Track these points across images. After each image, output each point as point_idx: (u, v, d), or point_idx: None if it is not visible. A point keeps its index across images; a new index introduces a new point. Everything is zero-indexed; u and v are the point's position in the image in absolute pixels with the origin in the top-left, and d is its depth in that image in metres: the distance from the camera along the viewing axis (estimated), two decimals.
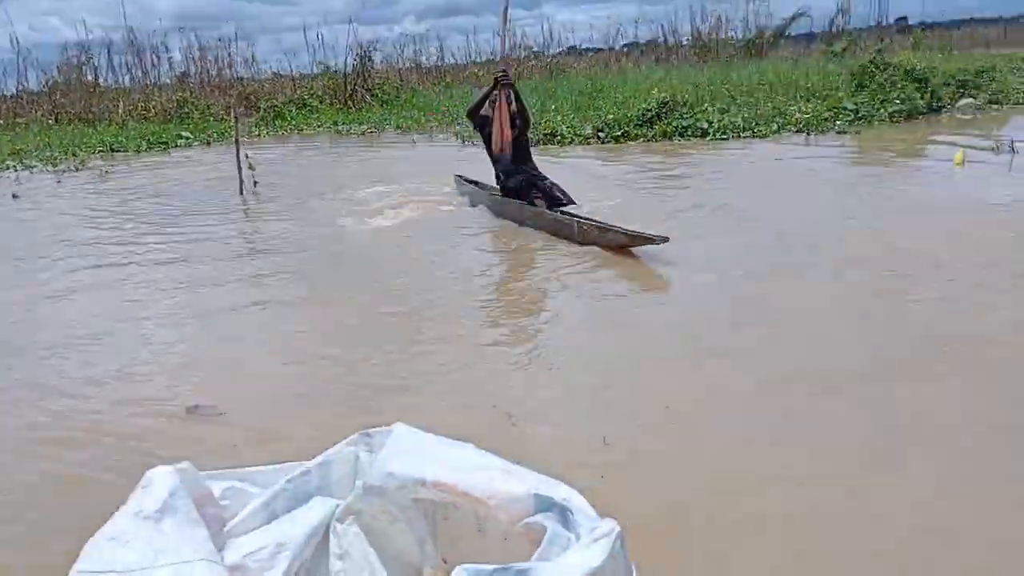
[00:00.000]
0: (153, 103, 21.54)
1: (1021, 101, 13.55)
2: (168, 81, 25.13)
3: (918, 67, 13.26)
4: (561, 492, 1.38)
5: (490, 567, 1.18)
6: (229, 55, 25.21)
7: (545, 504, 1.36)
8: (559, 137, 12.49)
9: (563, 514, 1.35)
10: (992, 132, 10.11)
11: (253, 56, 26.10)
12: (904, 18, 31.67)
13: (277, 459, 1.88)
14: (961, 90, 13.91)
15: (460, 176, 8.70)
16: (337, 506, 1.88)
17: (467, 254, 6.04)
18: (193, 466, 1.68)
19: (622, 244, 5.38)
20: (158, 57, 24.89)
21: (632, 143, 11.86)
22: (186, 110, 20.72)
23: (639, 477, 2.67)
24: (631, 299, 4.72)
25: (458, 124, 16.05)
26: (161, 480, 1.47)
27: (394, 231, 6.89)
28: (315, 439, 2.06)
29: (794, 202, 7.09)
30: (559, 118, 13.70)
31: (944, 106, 13.20)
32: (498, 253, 6.24)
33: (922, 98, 12.66)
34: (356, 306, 4.87)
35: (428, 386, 3.52)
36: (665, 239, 5.04)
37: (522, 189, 6.87)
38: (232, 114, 10.00)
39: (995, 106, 13.42)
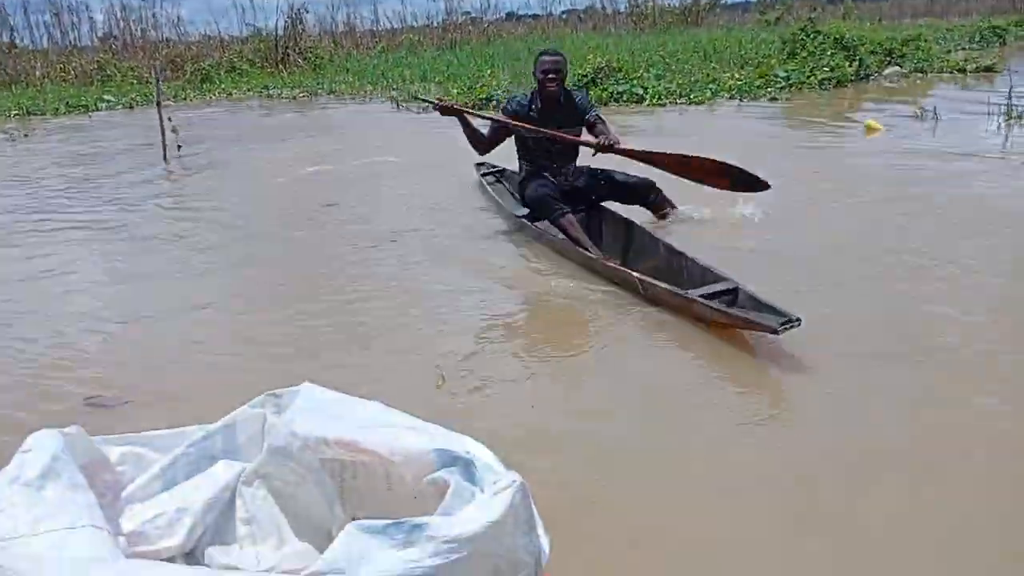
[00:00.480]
0: (73, 65, 20.65)
1: (945, 69, 13.89)
2: (90, 43, 24.12)
3: (847, 36, 13.49)
4: (464, 446, 1.35)
5: (383, 522, 1.14)
6: (154, 16, 24.30)
7: (448, 459, 1.33)
8: (494, 101, 12.38)
9: (467, 468, 1.32)
10: (916, 99, 10.35)
11: (179, 17, 25.28)
12: None
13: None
14: (888, 58, 14.21)
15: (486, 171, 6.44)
16: (243, 469, 1.82)
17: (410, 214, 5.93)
18: (83, 430, 1.59)
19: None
20: (78, 17, 23.85)
21: None
22: (108, 73, 19.93)
23: None
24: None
25: (393, 89, 15.79)
26: (43, 444, 1.39)
27: (326, 186, 6.76)
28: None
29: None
30: (495, 83, 13.57)
31: (872, 74, 13.47)
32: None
33: (850, 66, 12.90)
34: (282, 267, 4.75)
35: (360, 346, 3.47)
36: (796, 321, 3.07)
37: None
38: (153, 75, 9.61)
39: (920, 74, 13.75)
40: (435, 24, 27.57)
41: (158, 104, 9.06)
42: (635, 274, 3.82)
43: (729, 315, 3.27)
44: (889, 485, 2.28)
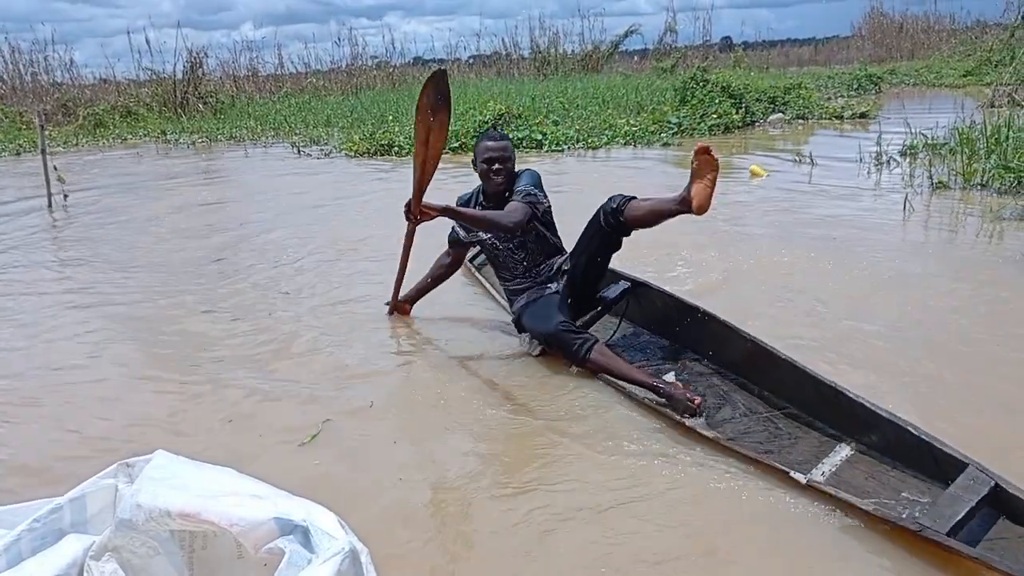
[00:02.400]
0: None
1: (824, 116, 14.74)
2: None
3: (733, 84, 14.20)
4: (305, 512, 1.38)
5: None
6: (45, 59, 23.50)
7: (287, 527, 1.36)
8: (396, 148, 12.46)
9: (305, 535, 1.35)
10: (796, 146, 10.95)
11: (72, 60, 24.45)
12: (728, 37, 33.88)
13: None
14: (772, 106, 15.00)
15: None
16: (92, 543, 1.79)
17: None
18: None
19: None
20: None
21: (470, 153, 11.98)
22: None
23: None
24: None
25: (296, 134, 15.68)
26: None
27: (217, 238, 6.63)
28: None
29: None
30: (396, 128, 13.66)
31: (757, 120, 14.18)
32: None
33: (737, 113, 13.56)
34: (157, 327, 4.60)
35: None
36: None
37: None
38: (37, 120, 9.30)
39: (801, 121, 14.55)
40: (340, 68, 27.59)
41: (43, 151, 8.78)
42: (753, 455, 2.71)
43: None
44: None
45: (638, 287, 4.01)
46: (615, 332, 3.92)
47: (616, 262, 3.91)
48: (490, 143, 3.80)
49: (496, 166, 3.77)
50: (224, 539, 1.65)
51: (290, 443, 3.01)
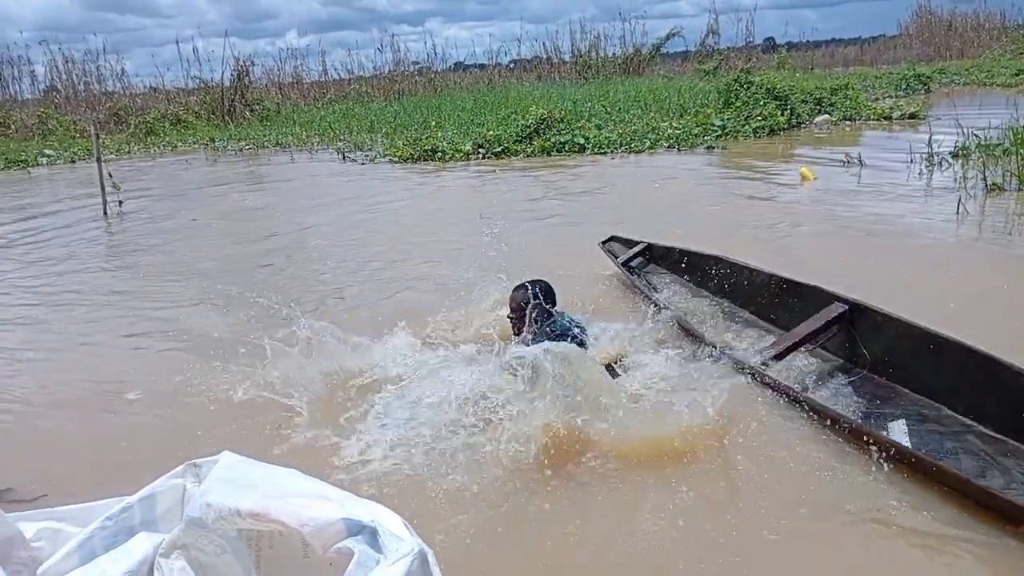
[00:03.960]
0: (13, 119, 20.37)
1: (872, 117, 14.49)
2: (31, 96, 23.89)
3: (778, 85, 14.03)
4: (372, 513, 1.40)
5: None
6: (97, 68, 24.19)
7: (355, 527, 1.38)
8: (440, 153, 12.54)
9: (373, 536, 1.37)
10: (844, 147, 10.77)
11: (123, 70, 25.13)
12: (772, 38, 33.52)
13: None
14: (818, 107, 14.78)
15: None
16: (162, 541, 1.83)
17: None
18: None
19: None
20: (19, 70, 23.64)
21: (513, 158, 12.05)
22: (50, 126, 19.71)
23: None
24: None
25: (340, 140, 15.89)
26: None
27: (268, 243, 6.75)
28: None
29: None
30: (439, 134, 13.76)
31: (803, 122, 13.99)
32: None
33: (782, 115, 13.39)
34: (215, 332, 4.67)
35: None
36: None
37: None
38: (93, 129, 9.55)
39: (848, 122, 14.32)
40: (383, 74, 27.89)
41: (98, 159, 9.01)
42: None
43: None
44: None
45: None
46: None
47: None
48: (512, 292, 3.90)
49: (511, 315, 3.89)
50: (291, 539, 1.68)
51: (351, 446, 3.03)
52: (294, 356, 4.07)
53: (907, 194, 7.53)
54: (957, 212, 6.45)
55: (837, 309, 3.40)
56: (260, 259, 6.42)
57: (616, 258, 5.17)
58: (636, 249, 5.20)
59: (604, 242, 5.45)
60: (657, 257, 5.19)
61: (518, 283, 3.89)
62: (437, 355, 4.02)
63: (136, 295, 5.57)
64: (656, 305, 4.20)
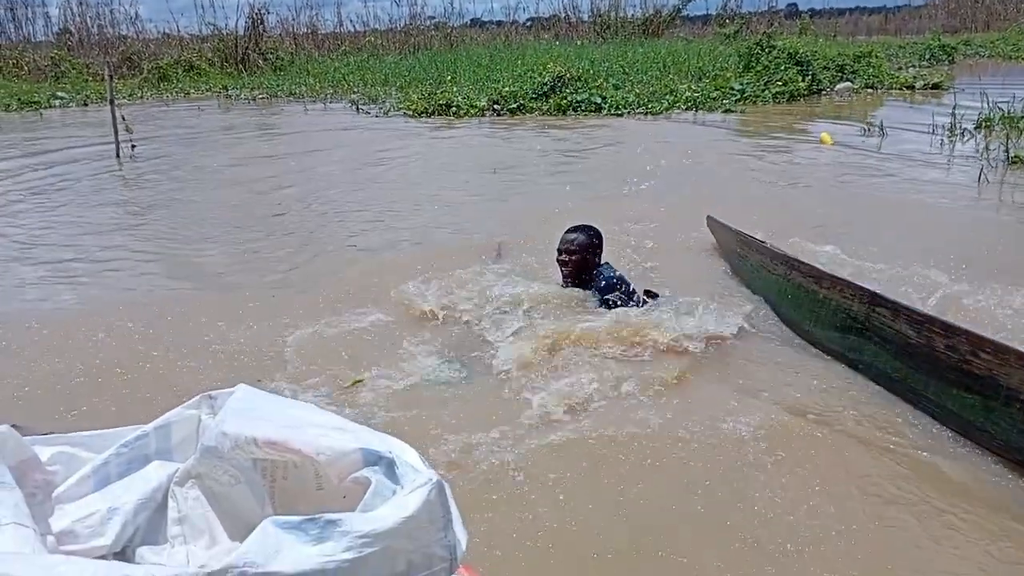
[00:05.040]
0: (26, 60, 20.26)
1: (895, 86, 14.27)
2: (44, 38, 23.74)
3: (801, 51, 13.80)
4: (388, 445, 1.39)
5: (298, 518, 1.18)
6: (111, 12, 23.99)
7: (373, 458, 1.37)
8: (454, 108, 12.43)
9: (390, 467, 1.36)
10: (866, 115, 10.63)
11: (137, 14, 24.93)
12: (794, 4, 32.93)
13: None
14: (840, 74, 14.55)
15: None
16: (176, 470, 1.84)
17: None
18: (13, 430, 1.61)
19: None
20: (33, 12, 23.48)
21: (528, 115, 11.95)
22: (63, 69, 19.59)
23: None
24: None
25: (354, 92, 15.75)
26: None
27: (279, 192, 6.72)
28: None
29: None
30: (455, 89, 13.62)
31: (824, 89, 13.79)
32: None
33: (803, 81, 13.19)
34: (225, 276, 4.69)
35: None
36: None
37: None
38: (107, 72, 9.48)
39: (870, 90, 14.10)
40: (399, 28, 27.58)
41: (111, 102, 8.95)
42: None
43: None
44: None
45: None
46: None
47: None
48: (564, 234, 3.82)
49: (562, 257, 3.81)
50: (304, 471, 1.68)
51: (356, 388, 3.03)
52: (303, 298, 4.07)
53: (927, 163, 7.43)
54: (978, 182, 6.37)
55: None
56: (271, 207, 6.40)
57: (720, 238, 4.65)
58: (737, 234, 4.50)
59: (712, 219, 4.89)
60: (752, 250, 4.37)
61: (571, 226, 3.84)
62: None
63: (147, 235, 5.57)
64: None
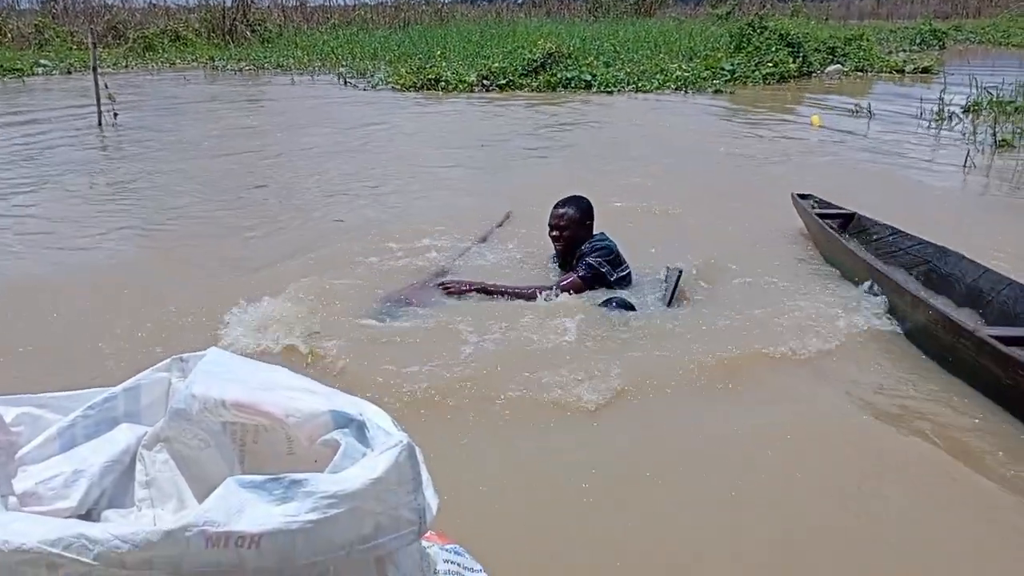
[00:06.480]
0: (10, 27, 19.90)
1: (884, 69, 14.25)
2: (28, 5, 23.34)
3: (792, 33, 13.75)
4: (359, 408, 1.36)
5: (262, 477, 1.16)
6: None
7: (343, 420, 1.34)
8: (443, 83, 12.31)
9: (360, 430, 1.33)
10: (854, 98, 10.62)
11: None
12: None
13: None
14: (831, 56, 14.53)
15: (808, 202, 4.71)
16: (145, 433, 1.80)
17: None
18: None
19: None
20: None
21: (518, 92, 11.86)
22: (47, 36, 19.25)
23: None
24: None
25: (342, 65, 15.58)
26: None
27: (261, 164, 6.64)
28: None
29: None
30: (444, 64, 13.48)
31: (814, 71, 13.76)
32: None
33: (794, 62, 13.15)
34: (201, 245, 4.58)
35: None
36: None
37: None
38: (89, 38, 9.32)
39: (860, 73, 14.09)
40: (389, 2, 27.27)
41: (94, 69, 8.80)
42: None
43: None
44: None
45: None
46: None
47: None
48: (553, 209, 3.80)
49: (554, 232, 3.79)
50: (276, 435, 1.65)
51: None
52: (285, 266, 4.03)
53: (915, 144, 7.45)
54: (964, 164, 6.37)
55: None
56: (252, 178, 6.32)
57: (812, 215, 4.44)
58: (833, 212, 4.47)
59: (803, 196, 4.73)
60: (856, 231, 4.39)
61: (559, 199, 3.81)
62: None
63: (122, 203, 5.49)
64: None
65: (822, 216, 4.33)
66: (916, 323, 3.11)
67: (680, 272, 3.59)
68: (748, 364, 2.92)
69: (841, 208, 4.51)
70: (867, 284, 3.49)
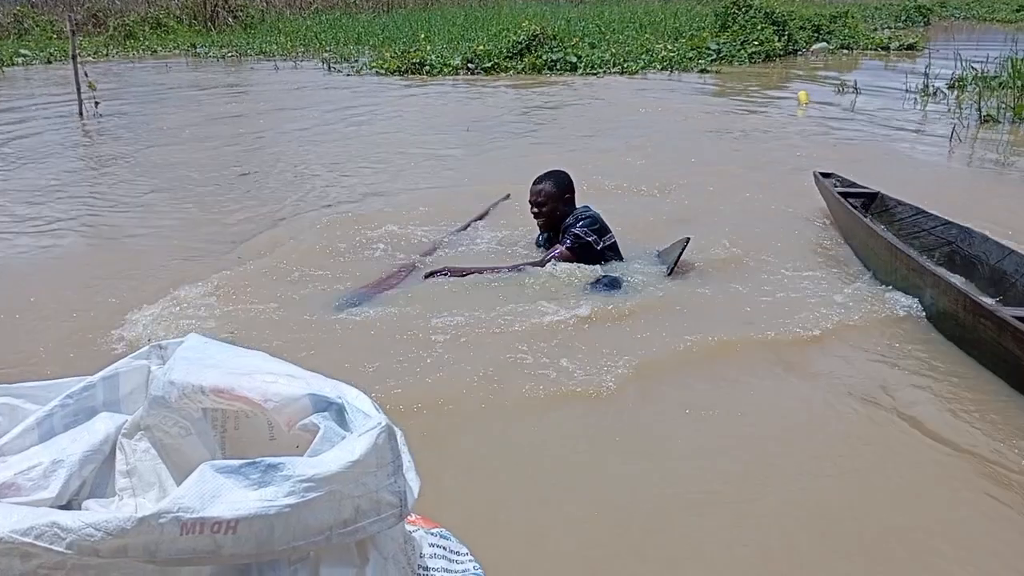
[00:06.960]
0: None
1: (870, 47, 14.24)
2: None
3: (777, 11, 13.72)
4: (338, 391, 1.35)
5: (238, 462, 1.14)
6: None
7: (322, 404, 1.33)
8: (428, 67, 12.23)
9: (340, 413, 1.32)
10: (840, 75, 10.61)
11: None
12: None
13: None
14: (816, 34, 14.51)
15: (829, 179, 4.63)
16: (125, 421, 1.79)
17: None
18: None
19: None
20: None
21: (503, 74, 11.79)
22: (26, 26, 19.00)
23: None
24: None
25: (326, 50, 15.45)
26: None
27: (242, 151, 6.58)
28: None
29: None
30: (428, 48, 13.38)
31: (800, 49, 13.74)
32: None
33: (779, 41, 13.13)
34: (182, 238, 4.52)
35: None
36: None
37: None
38: (68, 26, 9.20)
39: (846, 51, 14.08)
40: None
41: (73, 57, 8.69)
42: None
43: None
44: None
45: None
46: None
47: None
48: (532, 186, 3.81)
49: (534, 209, 3.81)
50: (256, 421, 1.63)
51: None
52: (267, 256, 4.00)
53: (901, 120, 7.46)
54: (950, 139, 6.39)
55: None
56: (236, 166, 6.26)
57: (834, 194, 4.36)
58: (856, 191, 4.41)
59: (825, 175, 4.66)
60: (879, 211, 4.35)
61: (539, 175, 3.81)
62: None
63: (101, 192, 5.44)
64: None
65: (845, 195, 4.28)
66: (936, 304, 3.08)
67: (688, 240, 3.60)
68: (757, 345, 2.93)
69: (865, 187, 4.44)
70: (887, 264, 3.48)
